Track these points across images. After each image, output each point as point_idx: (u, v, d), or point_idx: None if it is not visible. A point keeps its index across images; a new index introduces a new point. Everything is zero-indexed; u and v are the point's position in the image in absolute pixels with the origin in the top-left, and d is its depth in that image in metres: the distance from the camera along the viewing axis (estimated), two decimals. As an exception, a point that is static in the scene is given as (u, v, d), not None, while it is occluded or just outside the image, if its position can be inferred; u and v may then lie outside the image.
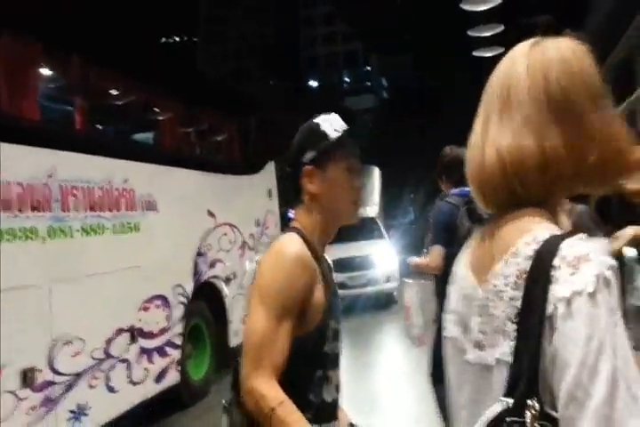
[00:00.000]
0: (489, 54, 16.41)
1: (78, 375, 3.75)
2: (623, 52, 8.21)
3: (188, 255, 5.35)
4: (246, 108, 7.10)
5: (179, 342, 5.04)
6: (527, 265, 0.83)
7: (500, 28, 13.69)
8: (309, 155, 1.52)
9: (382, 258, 10.38)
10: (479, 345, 0.90)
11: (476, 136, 0.94)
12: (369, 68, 41.30)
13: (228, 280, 5.96)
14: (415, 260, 3.42)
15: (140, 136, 5.53)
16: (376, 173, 14.54)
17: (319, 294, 1.48)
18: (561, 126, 0.87)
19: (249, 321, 1.44)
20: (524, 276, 0.82)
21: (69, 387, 3.65)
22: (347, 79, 43.00)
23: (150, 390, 4.63)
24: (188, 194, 5.40)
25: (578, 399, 0.73)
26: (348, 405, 1.72)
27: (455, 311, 0.99)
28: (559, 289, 0.78)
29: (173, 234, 5.06)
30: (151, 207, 4.70)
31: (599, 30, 9.43)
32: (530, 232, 0.85)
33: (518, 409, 0.77)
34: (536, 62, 0.90)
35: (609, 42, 8.58)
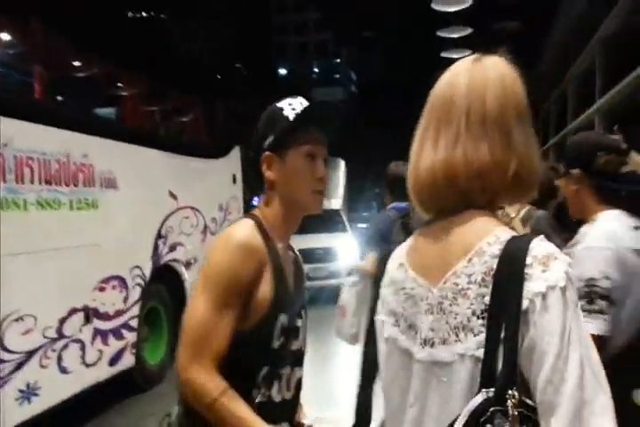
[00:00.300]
0: (456, 56, 16.62)
1: (29, 354, 3.62)
2: (585, 63, 8.34)
3: (147, 237, 5.22)
4: (214, 91, 6.98)
5: (135, 324, 4.93)
6: (494, 263, 0.87)
7: (468, 31, 13.86)
8: (269, 140, 1.44)
9: (345, 251, 10.37)
10: (429, 343, 0.93)
11: (415, 145, 1.01)
12: (338, 60, 41.30)
13: (188, 264, 5.85)
14: (358, 264, 3.78)
15: (102, 111, 5.36)
16: (341, 165, 14.54)
17: (266, 285, 1.38)
18: (490, 142, 0.94)
19: (190, 307, 1.36)
20: (492, 273, 0.87)
21: (19, 365, 3.52)
22: (316, 70, 42.91)
23: (104, 372, 4.51)
24: (149, 174, 5.26)
25: (554, 384, 0.82)
26: (307, 397, 1.65)
27: (394, 313, 1.01)
28: (534, 285, 0.84)
29: (133, 214, 4.94)
30: (111, 185, 4.56)
31: (565, 38, 9.56)
32: (491, 233, 0.91)
33: (499, 399, 0.82)
34: (476, 80, 0.97)
35: (574, 50, 8.71)
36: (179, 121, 6.55)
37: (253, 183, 1.51)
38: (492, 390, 0.83)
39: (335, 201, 13.52)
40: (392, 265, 1.05)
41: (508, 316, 0.84)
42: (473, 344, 0.87)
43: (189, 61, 6.22)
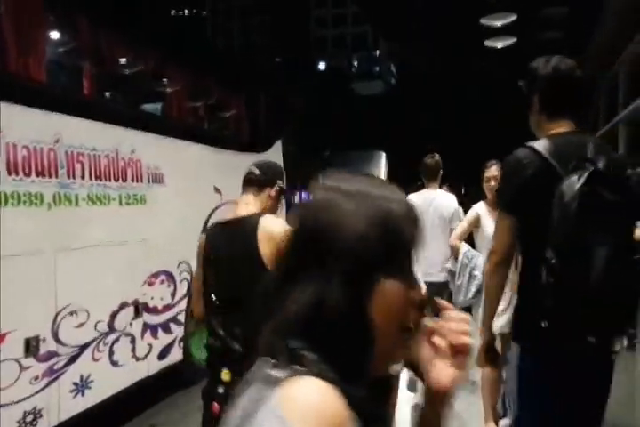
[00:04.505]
0: (500, 44, 16.16)
1: (82, 347, 3.67)
2: (638, 50, 7.99)
3: (193, 232, 5.20)
4: (256, 86, 6.96)
5: (182, 319, 4.96)
6: None
7: (513, 18, 13.40)
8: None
9: None
10: None
11: None
12: (377, 52, 40.93)
13: (233, 259, 5.86)
14: None
15: (148, 106, 5.40)
16: (383, 158, 14.37)
17: None
18: None
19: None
20: None
21: (73, 358, 3.58)
22: (355, 63, 42.64)
23: (153, 366, 4.56)
24: (195, 168, 5.28)
25: None
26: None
27: None
28: None
29: (179, 209, 4.96)
30: (158, 180, 4.59)
31: (614, 25, 9.16)
32: None
33: None
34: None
35: (623, 36, 8.37)
36: (222, 116, 6.56)
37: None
38: None
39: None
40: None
41: None
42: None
43: (231, 57, 6.22)
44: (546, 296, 1.80)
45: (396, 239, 0.75)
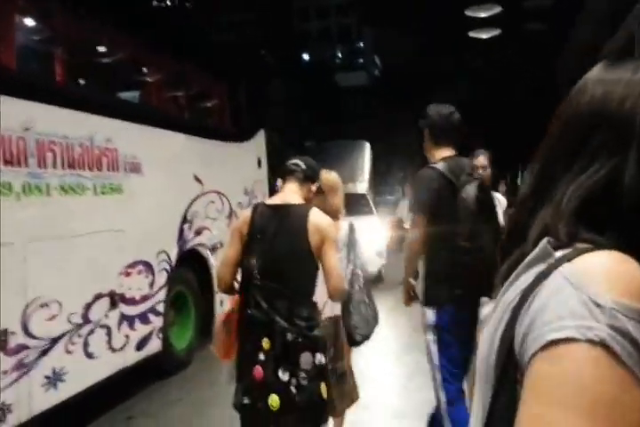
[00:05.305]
0: (485, 36, 16.09)
1: (54, 340, 3.59)
2: (624, 36, 8.01)
3: (173, 221, 5.17)
4: (239, 76, 6.86)
5: (162, 309, 4.90)
6: None
7: (498, 10, 13.37)
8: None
9: (371, 234, 10.15)
10: None
11: None
12: (362, 44, 40.68)
13: (214, 249, 5.80)
14: None
15: (126, 94, 5.29)
16: (367, 148, 14.29)
17: None
18: None
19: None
20: None
21: (45, 352, 3.50)
22: (339, 55, 42.39)
23: (131, 357, 4.49)
24: (174, 158, 5.20)
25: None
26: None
27: None
28: None
29: (158, 199, 4.88)
30: (135, 169, 4.50)
31: (600, 14, 9.18)
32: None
33: None
34: None
35: (609, 26, 8.37)
36: (203, 105, 6.46)
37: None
38: None
39: (360, 184, 13.30)
40: None
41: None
42: None
43: (214, 46, 6.11)
44: (457, 267, 2.80)
45: None
